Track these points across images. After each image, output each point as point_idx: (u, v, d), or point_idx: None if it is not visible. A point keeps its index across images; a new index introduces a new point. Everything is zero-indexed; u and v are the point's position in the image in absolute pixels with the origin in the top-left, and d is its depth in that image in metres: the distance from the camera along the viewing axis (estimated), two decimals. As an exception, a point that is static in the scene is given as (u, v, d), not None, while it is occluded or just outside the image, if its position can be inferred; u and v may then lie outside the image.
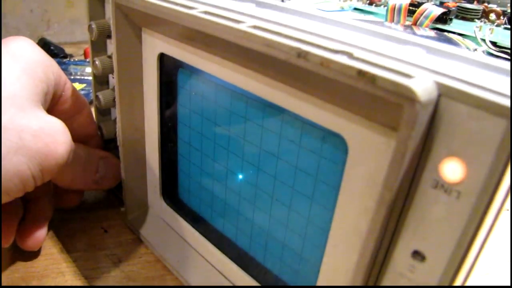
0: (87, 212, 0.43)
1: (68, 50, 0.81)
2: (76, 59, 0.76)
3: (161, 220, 0.41)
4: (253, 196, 0.31)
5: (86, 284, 0.36)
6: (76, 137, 0.34)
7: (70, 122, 0.33)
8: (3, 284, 0.36)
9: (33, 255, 0.38)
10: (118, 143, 0.39)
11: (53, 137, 0.30)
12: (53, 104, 0.35)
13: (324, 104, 0.23)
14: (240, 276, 0.34)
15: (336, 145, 0.24)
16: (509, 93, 0.17)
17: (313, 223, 0.27)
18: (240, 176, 0.32)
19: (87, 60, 0.76)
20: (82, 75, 0.70)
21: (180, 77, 0.35)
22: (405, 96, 0.18)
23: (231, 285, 0.35)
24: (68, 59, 0.77)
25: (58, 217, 0.42)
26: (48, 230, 0.40)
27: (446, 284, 0.20)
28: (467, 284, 0.21)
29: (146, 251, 0.40)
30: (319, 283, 0.27)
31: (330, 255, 0.26)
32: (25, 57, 0.31)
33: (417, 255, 0.20)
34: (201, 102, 0.33)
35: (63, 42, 0.87)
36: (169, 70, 0.35)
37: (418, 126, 0.18)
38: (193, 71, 0.33)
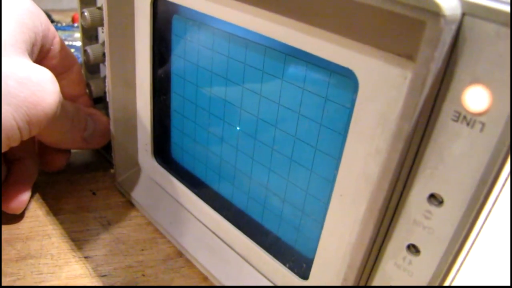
0: (75, 175, 0.42)
1: (55, 17, 0.78)
2: (64, 24, 0.73)
3: (153, 181, 0.39)
4: (252, 149, 0.29)
5: (73, 246, 0.34)
6: (65, 96, 0.33)
7: (59, 80, 0.31)
8: None
9: (17, 217, 0.36)
10: (107, 99, 0.37)
11: (41, 86, 0.27)
12: (41, 58, 0.33)
13: (332, 37, 0.21)
14: (237, 237, 0.32)
15: (344, 83, 0.22)
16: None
17: (316, 174, 0.25)
18: (238, 128, 0.30)
19: (75, 25, 0.73)
20: (70, 41, 0.67)
21: (174, 25, 0.33)
22: (428, 10, 0.16)
23: (227, 246, 0.33)
24: (55, 23, 0.74)
25: (44, 180, 0.40)
26: (33, 193, 0.39)
27: (464, 231, 0.18)
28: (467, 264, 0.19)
29: (137, 214, 0.38)
30: (322, 239, 0.25)
31: (335, 207, 0.24)
32: (11, 3, 0.29)
33: (434, 199, 0.19)
34: (196, 50, 0.31)
35: (50, 9, 0.83)
36: (163, 17, 0.33)
37: (441, 46, 0.16)
38: (188, 16, 0.31)
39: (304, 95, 0.25)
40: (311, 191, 0.26)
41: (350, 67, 0.21)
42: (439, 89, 0.18)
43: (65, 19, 0.79)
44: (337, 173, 0.23)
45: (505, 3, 0.16)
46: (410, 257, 0.19)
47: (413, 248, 0.19)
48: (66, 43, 0.67)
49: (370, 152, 0.21)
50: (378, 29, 0.19)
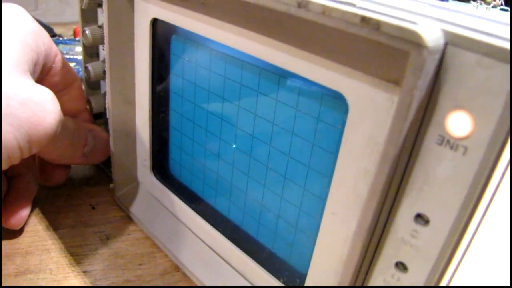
0: (74, 189, 0.43)
1: (57, 30, 0.79)
2: (65, 38, 0.74)
3: (151, 196, 0.40)
4: (247, 166, 0.30)
5: (72, 261, 0.35)
6: (66, 112, 0.33)
7: (60, 96, 0.32)
8: None
9: (17, 232, 0.37)
10: (107, 115, 0.37)
11: (42, 106, 0.28)
12: (43, 76, 0.34)
13: (323, 62, 0.22)
14: (233, 251, 0.32)
15: (335, 105, 0.23)
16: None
17: (309, 192, 0.26)
18: (234, 146, 0.30)
19: (77, 39, 0.74)
20: (72, 54, 0.68)
21: (173, 44, 0.34)
22: (412, 41, 0.17)
23: (223, 261, 0.34)
24: (57, 37, 0.75)
25: (43, 195, 0.41)
26: (33, 207, 0.39)
27: (450, 249, 0.19)
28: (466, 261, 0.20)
29: (135, 228, 0.39)
30: (315, 255, 0.26)
31: (327, 224, 0.25)
32: (15, 24, 0.30)
33: (420, 218, 0.19)
34: (194, 69, 0.32)
35: (52, 23, 0.84)
36: (162, 37, 0.34)
37: (425, 75, 0.17)
38: (187, 37, 0.32)
39: (297, 115, 0.26)
40: (304, 208, 0.27)
41: (340, 91, 0.22)
42: (423, 114, 0.18)
43: (67, 32, 0.81)
44: (328, 191, 0.24)
45: (486, 34, 0.17)
46: (398, 274, 0.20)
47: (401, 266, 0.20)
48: (68, 56, 0.68)
49: (360, 172, 0.22)
50: (366, 56, 0.20)
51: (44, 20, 0.79)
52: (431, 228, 0.19)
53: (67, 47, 0.72)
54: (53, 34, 0.76)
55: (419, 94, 0.17)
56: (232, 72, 0.29)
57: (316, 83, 0.23)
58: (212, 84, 0.31)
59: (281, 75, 0.26)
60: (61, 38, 0.75)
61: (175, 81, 0.34)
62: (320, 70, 0.22)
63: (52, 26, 0.78)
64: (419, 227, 0.19)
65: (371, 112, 0.21)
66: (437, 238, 0.19)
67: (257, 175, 0.29)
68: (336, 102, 0.23)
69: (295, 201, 0.27)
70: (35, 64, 0.31)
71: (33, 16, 0.33)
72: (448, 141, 0.18)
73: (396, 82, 0.20)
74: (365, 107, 0.21)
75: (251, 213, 0.31)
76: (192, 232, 0.36)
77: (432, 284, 0.19)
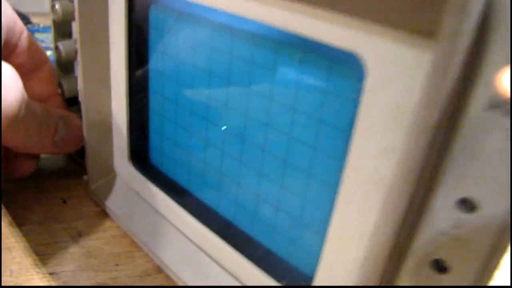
0: (43, 182, 0.39)
1: (34, 20, 0.75)
2: (41, 26, 0.70)
3: (130, 188, 0.36)
4: (239, 150, 0.26)
5: (37, 262, 0.30)
6: (34, 97, 0.31)
7: (28, 79, 0.30)
8: None
9: (-25, 229, 0.32)
10: (79, 98, 0.33)
11: (1, 83, 0.25)
12: (6, 54, 0.31)
13: (332, 16, 0.18)
14: (223, 250, 0.28)
15: (347, 72, 0.19)
16: None
17: (316, 178, 0.22)
18: (224, 127, 0.26)
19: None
20: (49, 43, 0.64)
21: (152, 16, 0.30)
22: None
23: (212, 261, 0.29)
24: (32, 25, 0.70)
25: (9, 187, 0.37)
26: (-4, 201, 0.35)
27: (503, 241, 0.15)
28: None
29: (112, 225, 0.35)
30: (324, 255, 0.22)
31: (340, 217, 0.20)
32: None
33: (465, 204, 0.15)
34: (176, 43, 0.28)
35: (30, 12, 0.80)
36: (139, 9, 0.30)
37: (471, 16, 0.13)
38: (167, 5, 0.28)
39: (300, 88, 0.21)
40: (309, 198, 0.23)
41: (356, 51, 0.18)
42: (468, 71, 0.14)
43: (47, 23, 0.76)
44: (341, 177, 0.20)
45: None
46: (435, 275, 0.16)
47: (438, 264, 0.16)
48: (44, 45, 0.64)
49: (381, 150, 0.18)
50: (389, 2, 0.16)
51: (22, 10, 0.75)
52: (479, 215, 0.15)
53: (44, 35, 0.68)
54: (28, 21, 0.72)
55: (463, 42, 0.13)
56: (220, 41, 0.25)
57: (322, 46, 0.19)
58: (197, 58, 0.27)
59: (279, 41, 0.22)
60: (37, 26, 0.70)
61: (155, 57, 0.30)
62: (329, 27, 0.18)
63: (29, 15, 0.74)
64: (464, 215, 0.15)
65: (396, 75, 0.17)
66: (486, 227, 0.15)
67: (252, 161, 0.25)
68: (348, 67, 0.19)
69: (298, 190, 0.23)
70: None
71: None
72: (499, 105, 0.14)
73: (429, 33, 0.16)
74: (388, 69, 0.17)
75: (245, 206, 0.27)
76: (177, 228, 0.32)
77: (479, 284, 0.15)
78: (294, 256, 0.25)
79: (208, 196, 0.30)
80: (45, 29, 0.70)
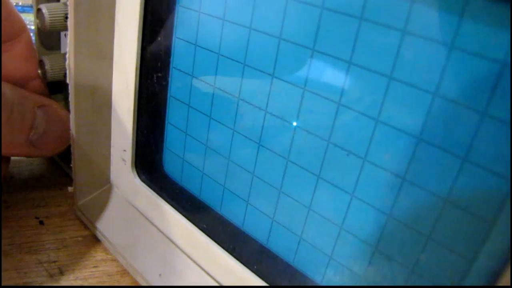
0: (14, 194, 0.33)
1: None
2: (20, 3, 0.66)
3: (131, 206, 0.31)
4: (310, 154, 0.18)
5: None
6: (6, 77, 0.28)
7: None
8: None
9: None
10: (67, 80, 0.27)
11: None
12: None
13: None
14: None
15: None
16: None
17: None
18: (295, 124, 0.19)
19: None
20: (31, 25, 0.59)
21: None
22: None
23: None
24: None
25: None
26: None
27: None
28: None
29: (105, 256, 0.29)
30: None
31: None
32: None
33: None
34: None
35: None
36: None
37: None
38: None
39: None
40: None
41: None
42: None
43: (27, 1, 0.72)
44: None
45: None
46: None
47: None
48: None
49: None
50: None
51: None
52: None
53: (24, 16, 0.61)
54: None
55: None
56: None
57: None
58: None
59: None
60: (15, 3, 0.67)
61: (185, 23, 0.24)
62: None
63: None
64: None
65: None
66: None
67: (330, 170, 0.17)
68: None
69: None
70: None
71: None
72: None
73: None
74: None
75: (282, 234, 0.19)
76: (199, 265, 0.25)
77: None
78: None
79: (236, 216, 0.23)
80: (23, 9, 0.66)
